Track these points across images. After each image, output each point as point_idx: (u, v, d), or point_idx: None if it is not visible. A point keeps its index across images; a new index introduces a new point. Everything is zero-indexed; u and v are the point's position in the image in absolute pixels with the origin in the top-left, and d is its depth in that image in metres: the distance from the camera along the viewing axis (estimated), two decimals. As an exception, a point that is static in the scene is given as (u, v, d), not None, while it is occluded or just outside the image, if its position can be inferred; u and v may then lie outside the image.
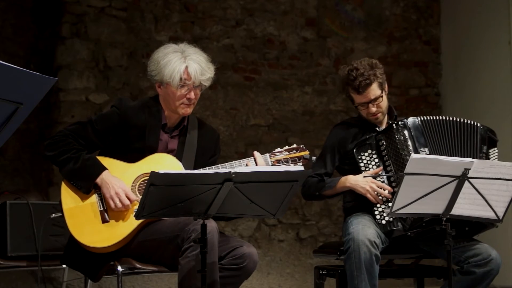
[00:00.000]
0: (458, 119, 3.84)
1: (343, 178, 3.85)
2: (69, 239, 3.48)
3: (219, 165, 3.44)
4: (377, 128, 3.92)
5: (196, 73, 3.45)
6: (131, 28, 6.10)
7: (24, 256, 4.11)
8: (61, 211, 3.41)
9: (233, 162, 3.45)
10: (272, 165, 3.46)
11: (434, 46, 7.08)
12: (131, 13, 6.12)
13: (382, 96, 3.86)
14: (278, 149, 3.53)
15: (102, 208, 3.38)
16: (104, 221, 3.37)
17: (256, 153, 3.46)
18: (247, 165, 3.41)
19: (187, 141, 3.57)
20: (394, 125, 3.82)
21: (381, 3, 6.93)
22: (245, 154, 6.17)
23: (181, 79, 3.44)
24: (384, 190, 3.73)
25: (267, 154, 3.48)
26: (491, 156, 3.84)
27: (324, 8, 6.76)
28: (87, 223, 3.36)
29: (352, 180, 3.81)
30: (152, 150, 3.49)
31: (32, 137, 5.93)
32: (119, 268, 3.41)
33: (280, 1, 6.63)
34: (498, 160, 3.81)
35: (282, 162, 3.47)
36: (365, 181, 3.76)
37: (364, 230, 3.60)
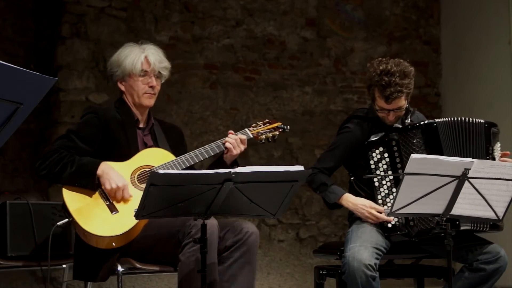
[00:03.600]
0: (465, 119, 3.78)
1: (345, 196, 3.83)
2: (75, 252, 3.54)
3: (206, 146, 3.55)
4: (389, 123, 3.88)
5: (155, 60, 3.64)
6: (131, 28, 6.10)
7: (24, 256, 4.11)
8: (68, 215, 3.42)
9: (218, 141, 3.59)
10: (253, 137, 3.66)
11: (434, 46, 7.07)
12: (131, 13, 6.12)
13: (404, 107, 3.77)
14: (254, 124, 3.74)
15: (108, 202, 3.42)
16: (113, 212, 3.40)
17: (231, 136, 3.59)
18: (224, 144, 3.55)
19: (158, 137, 3.70)
20: (409, 126, 3.79)
21: (381, 3, 6.93)
22: (245, 153, 6.17)
23: (142, 66, 3.62)
24: (381, 213, 3.73)
25: (246, 129, 3.67)
26: (496, 154, 3.83)
27: (324, 8, 6.76)
28: (98, 217, 3.38)
29: (351, 203, 3.80)
30: (135, 146, 3.58)
31: (32, 137, 5.92)
32: (119, 268, 3.41)
33: (280, 1, 6.63)
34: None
35: (261, 134, 3.69)
36: (364, 206, 3.75)
37: (360, 253, 3.56)
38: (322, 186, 3.88)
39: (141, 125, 3.70)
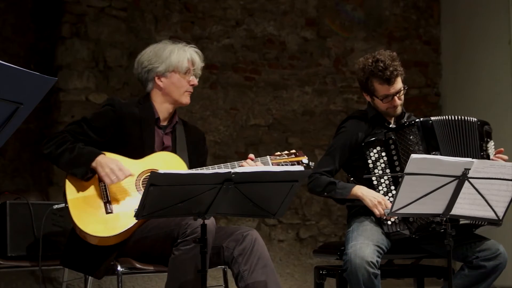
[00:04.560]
0: (459, 117, 3.82)
1: (356, 187, 3.81)
2: (68, 239, 3.49)
3: (221, 165, 3.48)
4: (386, 124, 3.91)
5: (199, 60, 3.70)
6: (131, 28, 6.09)
7: (24, 256, 4.11)
8: (65, 202, 3.41)
9: (235, 162, 3.49)
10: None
11: (434, 46, 7.08)
12: (131, 13, 6.12)
13: (404, 89, 3.88)
14: (278, 153, 3.63)
15: (106, 200, 3.40)
16: (107, 212, 3.39)
17: (249, 161, 3.50)
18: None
19: (178, 138, 3.68)
20: (406, 124, 3.82)
21: (381, 3, 6.93)
22: (245, 154, 6.15)
23: (188, 64, 3.65)
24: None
25: (268, 156, 3.57)
26: (490, 152, 3.84)
27: (324, 8, 6.76)
28: (91, 213, 3.38)
29: (365, 191, 3.77)
30: (150, 144, 3.56)
31: (32, 137, 5.92)
32: (119, 268, 3.41)
33: (280, 1, 6.63)
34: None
35: (282, 165, 3.56)
36: (376, 196, 3.73)
37: (362, 251, 3.57)
38: (330, 185, 3.85)
39: (162, 124, 3.68)
